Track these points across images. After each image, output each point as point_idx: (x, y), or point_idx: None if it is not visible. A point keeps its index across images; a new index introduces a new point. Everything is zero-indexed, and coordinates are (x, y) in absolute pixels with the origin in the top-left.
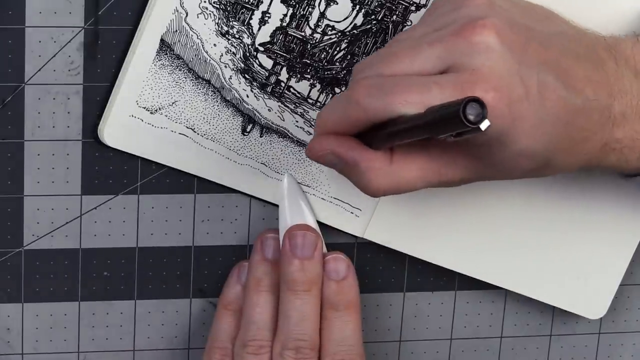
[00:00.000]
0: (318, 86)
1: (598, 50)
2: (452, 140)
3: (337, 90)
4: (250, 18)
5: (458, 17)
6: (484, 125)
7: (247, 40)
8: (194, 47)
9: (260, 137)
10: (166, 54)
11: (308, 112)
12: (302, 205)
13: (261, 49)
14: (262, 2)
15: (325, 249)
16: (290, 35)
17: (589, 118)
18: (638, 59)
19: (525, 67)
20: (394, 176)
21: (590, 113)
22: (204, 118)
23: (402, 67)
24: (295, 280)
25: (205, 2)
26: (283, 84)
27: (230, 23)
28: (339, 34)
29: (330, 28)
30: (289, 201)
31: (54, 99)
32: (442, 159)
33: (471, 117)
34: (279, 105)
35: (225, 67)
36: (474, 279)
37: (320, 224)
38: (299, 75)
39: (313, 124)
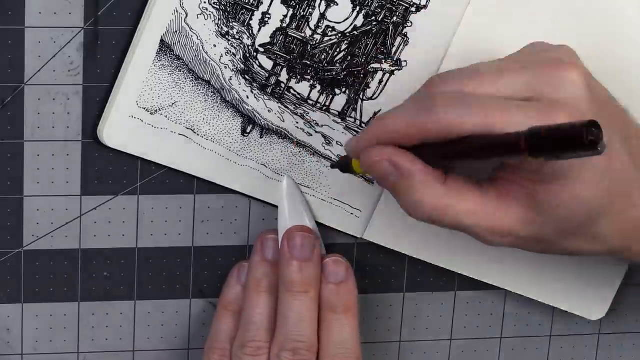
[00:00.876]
0: (318, 87)
1: None
2: (532, 168)
3: (337, 91)
4: (251, 19)
5: (545, 57)
6: (602, 145)
7: (247, 41)
8: (194, 47)
9: (260, 138)
10: (166, 54)
11: (308, 113)
12: (301, 207)
13: (261, 50)
14: (262, 3)
15: (324, 251)
16: (291, 36)
17: None
18: None
19: (601, 118)
20: (446, 199)
21: None
22: (204, 119)
23: (484, 88)
24: (293, 281)
25: (205, 2)
26: (283, 85)
27: (230, 24)
28: (339, 35)
29: (330, 29)
30: (288, 203)
31: (53, 99)
32: (496, 201)
33: (592, 138)
34: (279, 106)
35: (225, 68)
36: (474, 279)
37: (320, 224)
38: (299, 77)
39: (313, 124)
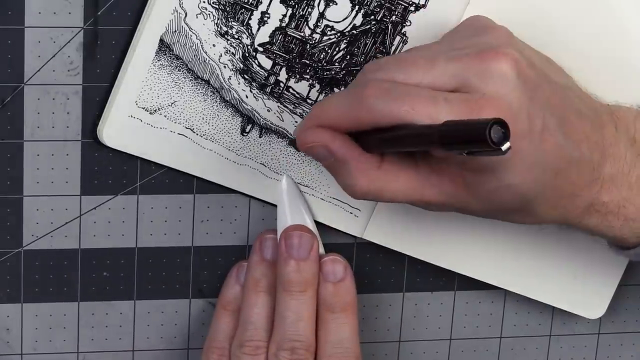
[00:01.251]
0: (317, 86)
1: (600, 112)
2: (460, 159)
3: (336, 90)
4: (250, 18)
5: (479, 42)
6: (505, 147)
7: (247, 41)
8: (193, 47)
9: (260, 137)
10: (165, 54)
11: (307, 113)
12: (300, 207)
13: (260, 49)
14: (261, 2)
15: (322, 250)
16: (290, 35)
17: (580, 174)
18: (638, 130)
19: (533, 105)
20: (378, 182)
21: (582, 169)
22: (203, 118)
23: (415, 77)
24: (290, 281)
25: (204, 2)
26: (282, 85)
27: (230, 23)
28: (338, 34)
29: (329, 28)
30: (287, 202)
31: (53, 99)
32: (429, 179)
33: (495, 138)
34: (278, 106)
35: (225, 67)
36: (474, 279)
37: (319, 224)
38: (298, 76)
39: None
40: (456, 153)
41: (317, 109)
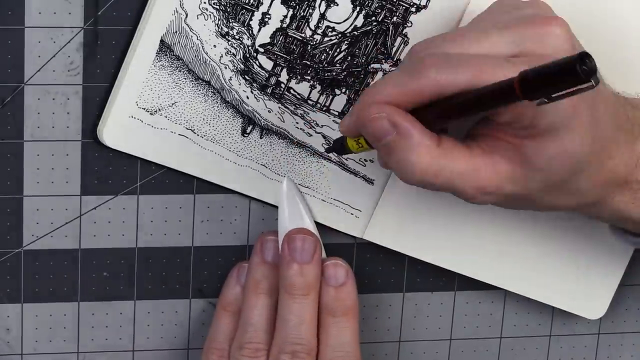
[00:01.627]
0: (318, 87)
1: (618, 97)
2: (523, 122)
3: (337, 91)
4: (250, 19)
5: (524, 14)
6: (596, 78)
7: (247, 42)
8: (194, 48)
9: (260, 138)
10: (166, 54)
11: (308, 114)
12: (301, 209)
13: (261, 50)
14: (262, 3)
15: (324, 254)
16: (291, 36)
17: (618, 149)
18: None
19: None
20: (439, 162)
21: (619, 144)
22: (203, 119)
23: (471, 48)
24: (293, 284)
25: (205, 3)
26: (283, 85)
27: (230, 24)
28: (339, 35)
29: (330, 29)
30: (288, 204)
31: (53, 99)
32: (484, 161)
33: (585, 67)
34: (279, 107)
35: (225, 68)
36: (474, 279)
37: (319, 225)
38: (299, 77)
39: (313, 125)
40: (537, 101)
41: (370, 91)
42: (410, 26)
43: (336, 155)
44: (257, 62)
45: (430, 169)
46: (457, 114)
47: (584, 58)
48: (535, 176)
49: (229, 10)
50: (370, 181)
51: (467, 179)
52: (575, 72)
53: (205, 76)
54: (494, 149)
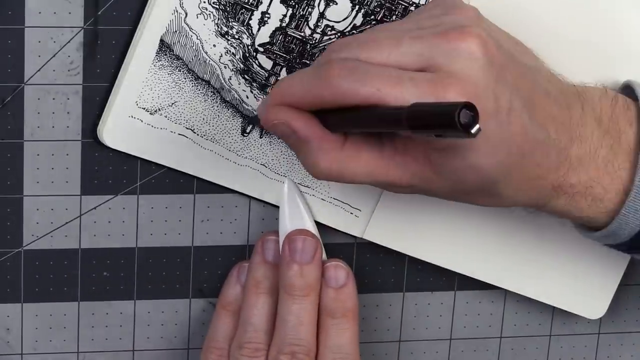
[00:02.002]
0: None
1: (567, 94)
2: (429, 139)
3: None
4: (250, 18)
5: (446, 21)
6: (475, 129)
7: (247, 41)
8: (194, 47)
9: (260, 138)
10: (166, 54)
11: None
12: (302, 210)
13: (261, 49)
14: (261, 2)
15: (324, 255)
16: (290, 35)
17: (547, 156)
18: (603, 109)
19: (500, 86)
20: (342, 163)
21: (549, 151)
22: (203, 119)
23: (380, 56)
24: (293, 285)
25: (204, 2)
26: None
27: (230, 23)
28: (339, 34)
29: (329, 28)
30: (289, 206)
31: (53, 99)
32: (394, 159)
33: (464, 121)
34: None
35: (225, 67)
36: (474, 279)
37: (319, 224)
38: None
39: None
40: (424, 135)
41: (280, 86)
42: None
43: None
44: (256, 61)
45: (333, 170)
46: (355, 125)
47: (466, 109)
48: (443, 181)
49: (228, 9)
50: None
51: (374, 176)
52: (454, 123)
53: (204, 76)
54: (406, 148)
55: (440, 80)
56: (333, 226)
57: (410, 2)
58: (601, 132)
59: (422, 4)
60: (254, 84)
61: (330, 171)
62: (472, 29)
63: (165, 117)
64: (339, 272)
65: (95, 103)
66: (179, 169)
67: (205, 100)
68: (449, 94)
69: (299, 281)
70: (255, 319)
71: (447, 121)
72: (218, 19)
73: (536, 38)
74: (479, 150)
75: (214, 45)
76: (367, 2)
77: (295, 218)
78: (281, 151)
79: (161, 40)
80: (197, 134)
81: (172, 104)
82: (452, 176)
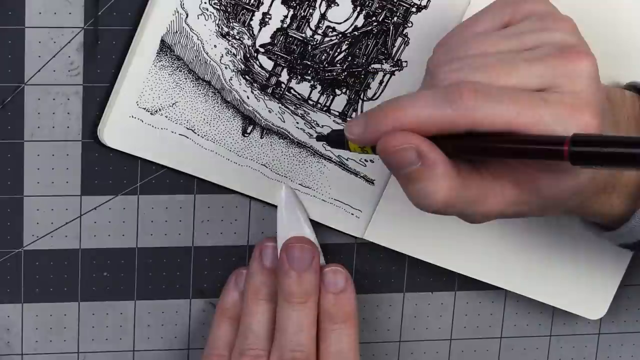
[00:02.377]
0: (319, 87)
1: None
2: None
3: (337, 91)
4: (251, 19)
5: (552, 40)
6: None
7: (248, 42)
8: (195, 48)
9: (261, 138)
10: (166, 55)
11: (309, 114)
12: (300, 217)
13: (262, 50)
14: (262, 3)
15: (323, 261)
16: (291, 36)
17: None
18: (627, 107)
19: (603, 107)
20: (458, 191)
21: None
22: (204, 119)
23: (499, 79)
24: (291, 292)
25: (205, 3)
26: (283, 86)
27: (231, 24)
28: (340, 35)
29: (330, 29)
30: (286, 213)
31: (53, 99)
32: (493, 185)
33: None
34: (279, 107)
35: (226, 68)
36: (474, 279)
37: (320, 224)
38: (299, 77)
39: (314, 125)
40: (584, 167)
41: (396, 110)
42: (411, 26)
43: (327, 146)
44: (257, 62)
45: (449, 200)
46: (484, 154)
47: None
48: (540, 201)
49: (229, 10)
50: (370, 181)
51: (477, 205)
52: (634, 160)
53: (205, 76)
54: (503, 173)
55: (570, 101)
56: (333, 226)
57: (412, 4)
58: (634, 128)
59: (424, 5)
60: (255, 85)
61: (448, 199)
62: (583, 47)
63: (166, 117)
64: (338, 276)
65: (95, 103)
66: (179, 169)
67: (206, 101)
68: (583, 114)
69: (297, 288)
70: (256, 325)
71: (631, 156)
72: (219, 20)
73: None
74: (587, 171)
75: (215, 46)
76: (369, 3)
77: (292, 225)
78: (282, 151)
79: (162, 41)
80: (198, 135)
81: (173, 104)
82: (555, 196)
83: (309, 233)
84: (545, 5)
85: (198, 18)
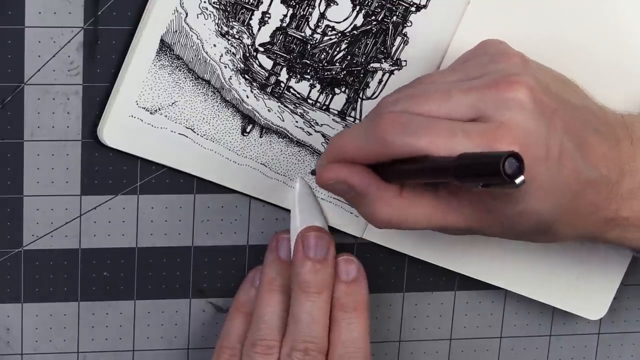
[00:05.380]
0: (318, 86)
1: (616, 128)
2: (477, 190)
3: (336, 90)
4: (250, 18)
5: (494, 70)
6: (519, 180)
7: (247, 41)
8: (194, 47)
9: (260, 137)
10: (166, 54)
11: (308, 113)
12: (313, 210)
13: (261, 49)
14: (262, 2)
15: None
16: (290, 35)
17: (598, 193)
18: None
19: (551, 132)
20: (401, 210)
21: (600, 188)
22: (203, 118)
23: (430, 109)
24: (307, 281)
25: (205, 2)
26: (283, 85)
27: (230, 23)
28: (339, 34)
29: (330, 29)
30: (300, 206)
31: (53, 99)
32: (450, 204)
33: (509, 171)
34: (278, 106)
35: (225, 67)
36: (474, 279)
37: None
38: (298, 76)
39: (313, 124)
40: (471, 185)
41: (334, 144)
42: (410, 26)
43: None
44: (256, 61)
45: (394, 218)
46: (408, 177)
47: (510, 158)
48: (499, 225)
49: (228, 9)
50: None
51: (431, 220)
52: (499, 172)
53: (205, 75)
54: (460, 192)
55: (491, 131)
56: (334, 226)
57: (411, 3)
58: None
59: (423, 4)
60: (254, 84)
61: (390, 219)
62: (520, 77)
63: (166, 116)
64: (350, 266)
65: (95, 103)
66: (179, 168)
67: (205, 100)
68: (501, 144)
69: (312, 278)
70: (269, 316)
71: (493, 171)
72: (218, 19)
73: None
74: (531, 196)
75: (214, 45)
76: (368, 2)
77: (307, 216)
78: (281, 150)
79: (161, 40)
80: (197, 134)
81: (173, 103)
82: (507, 220)
83: (325, 225)
84: (500, 44)
85: (197, 17)
